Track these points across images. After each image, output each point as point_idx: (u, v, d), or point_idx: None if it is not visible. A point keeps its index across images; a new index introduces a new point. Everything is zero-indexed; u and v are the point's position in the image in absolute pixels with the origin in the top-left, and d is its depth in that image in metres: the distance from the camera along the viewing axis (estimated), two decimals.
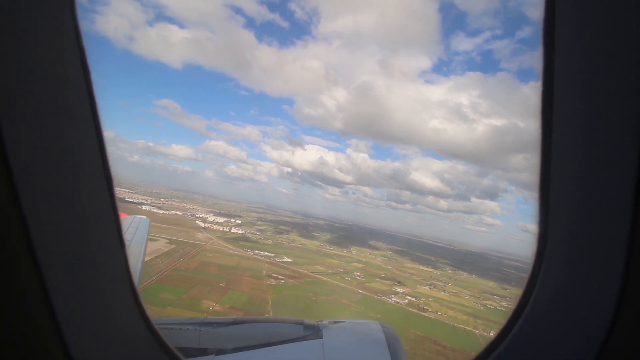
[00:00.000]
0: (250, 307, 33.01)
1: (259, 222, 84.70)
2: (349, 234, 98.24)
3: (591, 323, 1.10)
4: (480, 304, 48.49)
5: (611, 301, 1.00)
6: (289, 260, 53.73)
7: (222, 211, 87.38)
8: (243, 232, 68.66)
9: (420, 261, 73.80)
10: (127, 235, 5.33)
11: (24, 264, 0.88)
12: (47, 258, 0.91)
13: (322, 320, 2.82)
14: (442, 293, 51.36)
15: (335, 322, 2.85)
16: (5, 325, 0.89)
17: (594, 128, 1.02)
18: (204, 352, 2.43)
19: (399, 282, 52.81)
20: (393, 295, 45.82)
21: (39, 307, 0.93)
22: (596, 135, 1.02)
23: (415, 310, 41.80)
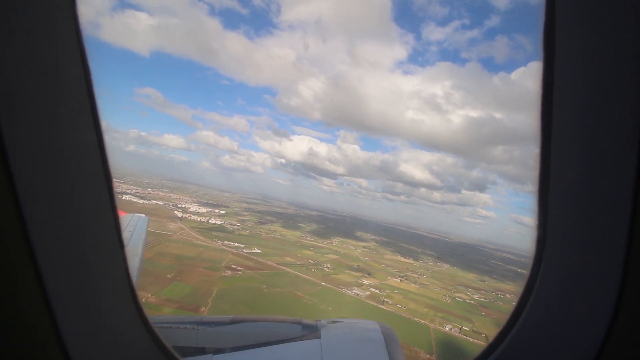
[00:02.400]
0: (190, 299, 32.61)
1: (244, 213, 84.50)
2: (337, 225, 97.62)
3: (589, 326, 1.10)
4: (449, 296, 47.43)
5: (609, 304, 1.00)
6: (259, 251, 53.32)
7: (209, 201, 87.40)
8: (222, 222, 68.40)
9: (403, 252, 72.87)
10: (125, 234, 5.05)
11: (23, 264, 0.87)
12: (46, 258, 0.91)
13: (320, 320, 2.80)
14: (412, 285, 50.42)
15: (333, 322, 2.82)
16: (4, 325, 0.88)
17: (593, 131, 1.03)
18: (202, 351, 2.42)
19: (369, 274, 52.04)
20: (356, 287, 45.06)
21: (38, 307, 0.93)
22: (595, 138, 1.03)
23: (373, 303, 40.95)
